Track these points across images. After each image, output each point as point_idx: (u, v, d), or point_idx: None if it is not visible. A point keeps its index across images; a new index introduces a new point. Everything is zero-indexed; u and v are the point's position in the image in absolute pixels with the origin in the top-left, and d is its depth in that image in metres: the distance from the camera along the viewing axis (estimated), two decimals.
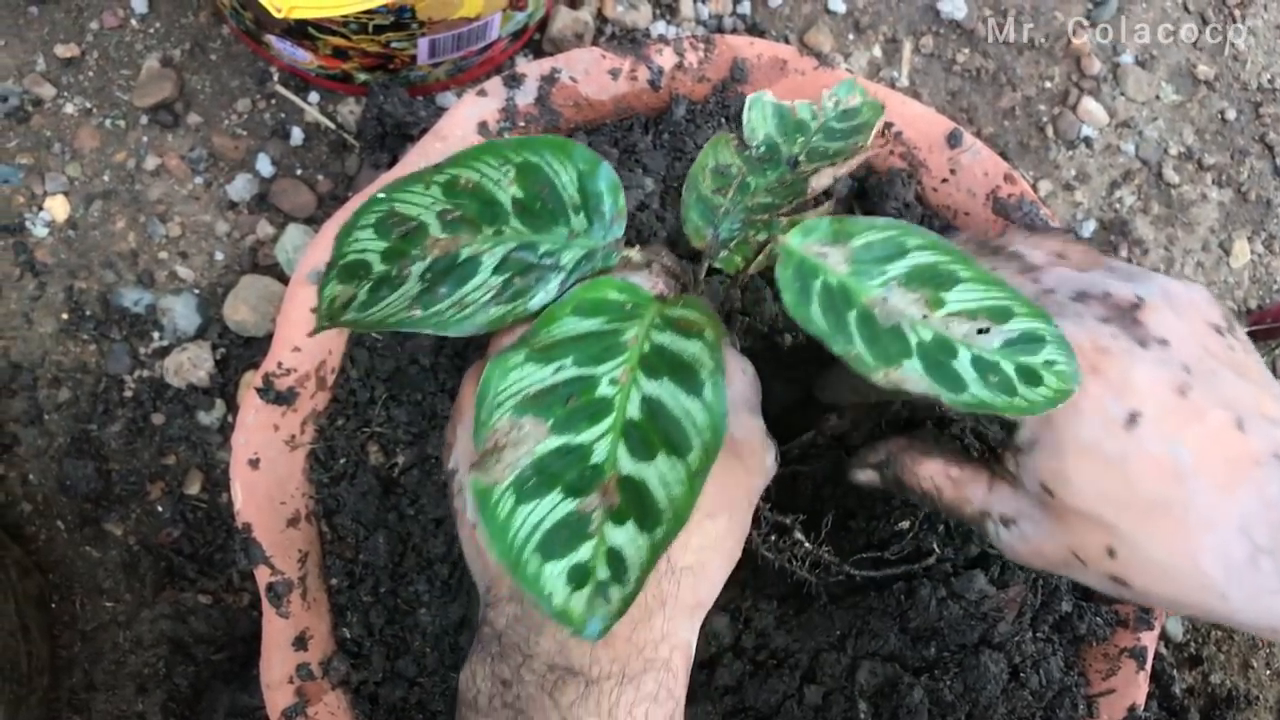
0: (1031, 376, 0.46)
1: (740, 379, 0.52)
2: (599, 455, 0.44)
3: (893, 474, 0.57)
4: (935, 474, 0.54)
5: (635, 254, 0.52)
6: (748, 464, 0.50)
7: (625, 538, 0.43)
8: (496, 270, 0.50)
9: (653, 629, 0.46)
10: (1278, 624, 0.44)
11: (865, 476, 0.58)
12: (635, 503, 0.43)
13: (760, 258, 0.52)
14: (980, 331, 0.46)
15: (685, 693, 0.48)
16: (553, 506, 0.43)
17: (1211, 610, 0.46)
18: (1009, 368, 0.46)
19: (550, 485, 0.44)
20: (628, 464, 0.44)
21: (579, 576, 0.42)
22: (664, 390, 0.46)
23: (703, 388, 0.45)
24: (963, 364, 0.46)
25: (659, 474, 0.44)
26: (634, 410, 0.45)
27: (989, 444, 0.63)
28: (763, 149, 0.53)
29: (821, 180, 0.52)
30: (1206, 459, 0.44)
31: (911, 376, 0.45)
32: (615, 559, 0.42)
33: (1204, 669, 0.84)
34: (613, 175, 0.51)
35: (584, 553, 0.43)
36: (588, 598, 0.42)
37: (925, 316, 0.47)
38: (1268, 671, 0.85)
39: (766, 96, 0.54)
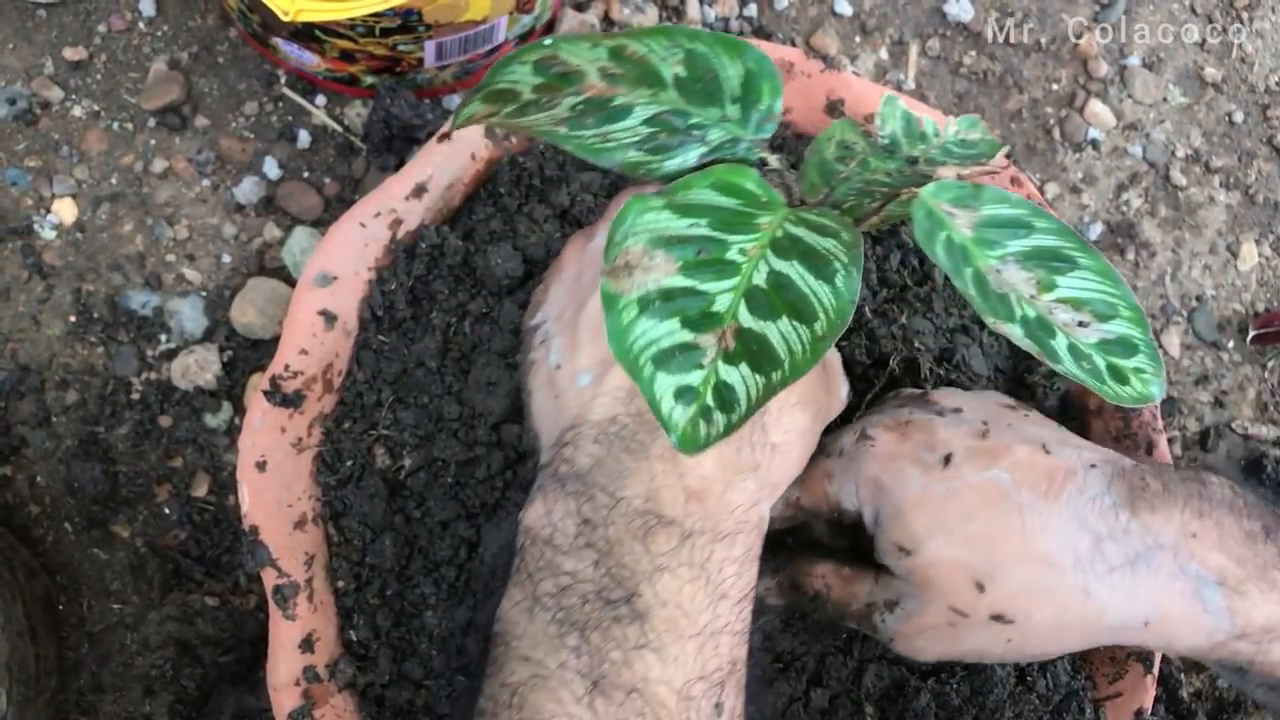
0: (1120, 377, 0.46)
1: None
2: (720, 305, 0.45)
3: (788, 579, 0.57)
4: (827, 573, 0.56)
5: (775, 160, 0.52)
6: (830, 384, 0.51)
7: (737, 376, 0.44)
8: (646, 122, 0.51)
9: (745, 492, 0.46)
10: (1146, 608, 0.46)
11: (759, 588, 0.57)
12: (752, 350, 0.44)
13: (874, 219, 0.52)
14: (1080, 325, 0.47)
15: None
16: (671, 330, 0.44)
17: (1085, 611, 0.47)
18: (1100, 362, 0.46)
19: (672, 314, 0.44)
20: (748, 318, 0.45)
21: (688, 396, 0.43)
22: (793, 270, 0.46)
23: (835, 274, 0.46)
24: (1059, 344, 0.46)
25: (780, 332, 0.45)
26: (760, 279, 0.46)
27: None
28: (887, 140, 0.54)
29: (946, 173, 0.52)
30: (1024, 477, 0.48)
31: (1016, 334, 0.46)
32: (724, 391, 0.43)
33: (1211, 673, 0.84)
34: (778, 81, 0.52)
35: (694, 378, 0.43)
36: (692, 416, 0.43)
37: (1032, 297, 0.47)
38: None
39: (899, 100, 0.54)
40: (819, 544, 0.60)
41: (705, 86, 0.52)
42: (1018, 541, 0.48)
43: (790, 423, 0.49)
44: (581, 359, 0.49)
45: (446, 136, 0.64)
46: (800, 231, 0.48)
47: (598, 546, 0.44)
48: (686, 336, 0.44)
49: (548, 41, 0.50)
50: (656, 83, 0.51)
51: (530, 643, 0.44)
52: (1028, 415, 0.54)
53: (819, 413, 0.51)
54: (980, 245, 0.48)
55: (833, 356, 0.52)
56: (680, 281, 0.45)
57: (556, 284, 0.53)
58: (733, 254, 0.46)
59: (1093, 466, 0.49)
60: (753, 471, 0.47)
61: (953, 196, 0.49)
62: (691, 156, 0.52)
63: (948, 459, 0.50)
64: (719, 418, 0.43)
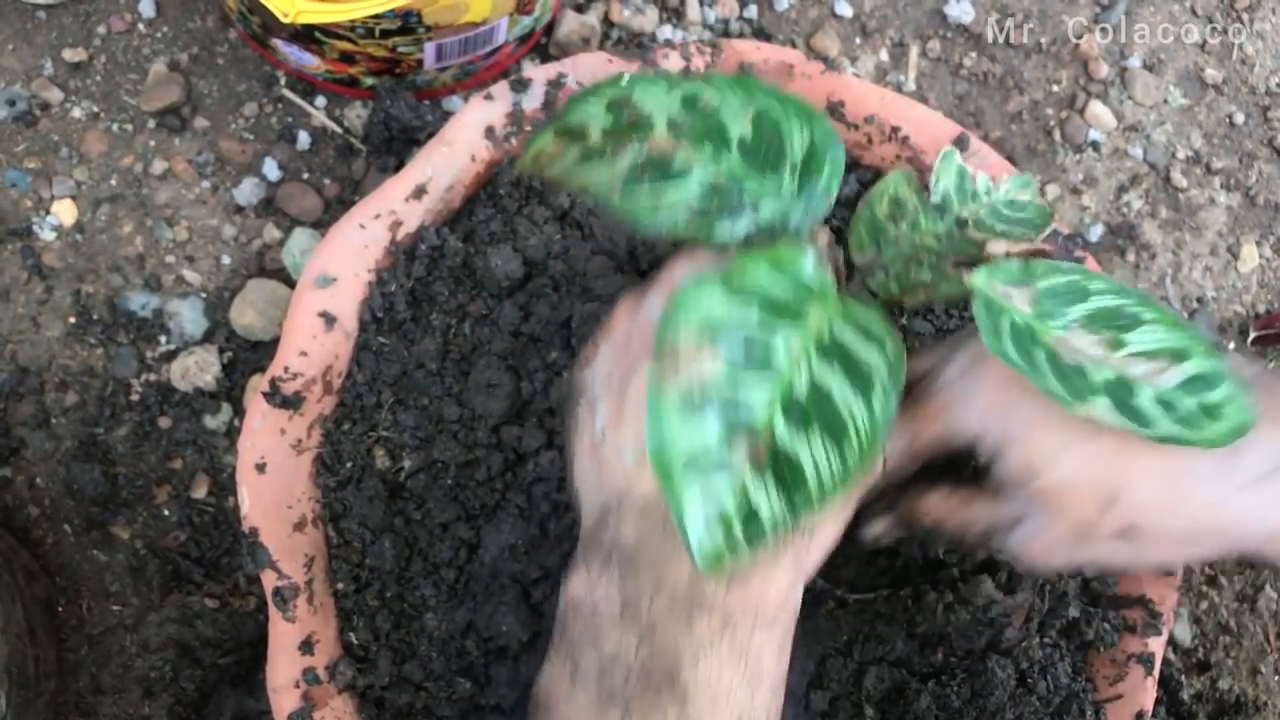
0: (1213, 413, 0.47)
1: None
2: (759, 413, 0.45)
3: (900, 516, 0.58)
4: (941, 502, 0.56)
5: (824, 236, 0.53)
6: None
7: (765, 502, 0.44)
8: (702, 188, 0.52)
9: (783, 578, 0.47)
10: (1269, 522, 0.47)
11: (875, 530, 0.58)
12: (783, 472, 0.45)
13: (922, 296, 0.54)
14: (1160, 372, 0.48)
15: None
16: (706, 437, 0.45)
17: (1216, 529, 0.48)
18: (1191, 404, 0.47)
19: (711, 417, 0.45)
20: (783, 431, 0.45)
21: (715, 519, 0.44)
22: (834, 380, 0.47)
23: (872, 392, 0.47)
24: (1144, 400, 0.47)
25: (812, 454, 0.45)
26: (801, 386, 0.47)
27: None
28: (939, 199, 0.55)
29: (996, 248, 0.53)
30: None
31: (1103, 413, 0.47)
32: (752, 519, 0.44)
33: (1212, 674, 0.84)
34: (840, 156, 0.52)
35: (724, 498, 0.44)
36: (718, 543, 0.43)
37: (1104, 357, 0.48)
38: (1276, 677, 0.85)
39: (957, 156, 0.55)
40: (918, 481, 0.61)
41: (768, 151, 0.52)
42: (1148, 455, 0.48)
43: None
44: (627, 433, 0.50)
45: (512, 163, 0.63)
46: (846, 336, 0.48)
47: (641, 625, 0.45)
48: (721, 447, 0.45)
49: (625, 80, 0.51)
50: (721, 142, 0.52)
51: (573, 713, 0.46)
52: None
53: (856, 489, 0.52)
54: (1043, 319, 0.49)
55: None
56: (723, 379, 0.46)
57: (606, 345, 0.54)
58: (778, 352, 0.47)
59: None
60: (791, 558, 0.48)
61: (1006, 277, 0.51)
62: (740, 226, 0.52)
63: None
64: (743, 548, 0.44)
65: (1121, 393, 0.47)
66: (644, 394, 0.47)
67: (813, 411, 0.46)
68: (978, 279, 0.51)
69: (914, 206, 0.55)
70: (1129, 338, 0.49)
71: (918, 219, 0.55)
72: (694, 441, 0.44)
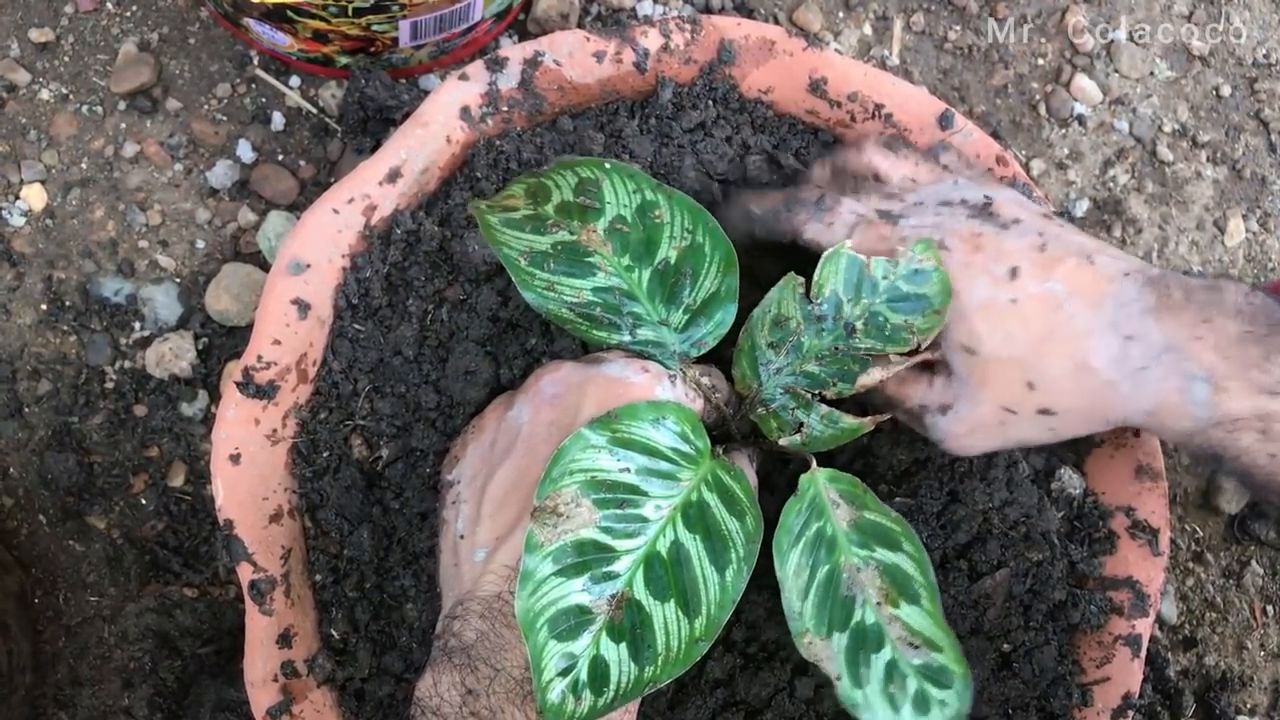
0: (923, 703, 0.53)
1: None
2: (622, 567, 0.50)
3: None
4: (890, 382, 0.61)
5: (696, 373, 0.57)
6: None
7: (614, 656, 0.48)
8: (596, 291, 0.56)
9: None
10: (1150, 400, 0.53)
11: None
12: (635, 630, 0.49)
13: (793, 438, 0.58)
14: (912, 646, 0.54)
15: None
16: (574, 590, 0.48)
17: (1109, 402, 0.55)
18: (912, 685, 0.54)
19: (581, 570, 0.49)
20: (641, 590, 0.50)
21: (569, 666, 0.48)
22: (694, 546, 0.51)
23: (728, 566, 0.51)
24: (880, 659, 0.54)
25: (664, 618, 0.50)
26: (663, 546, 0.51)
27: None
28: (825, 306, 0.57)
29: (869, 378, 0.57)
30: (1074, 286, 0.55)
31: (825, 655, 0.53)
32: (599, 667, 0.48)
33: (1198, 651, 0.84)
34: (730, 318, 0.57)
35: (577, 647, 0.48)
36: (563, 690, 0.47)
37: (880, 604, 0.54)
38: (1262, 652, 0.85)
39: (845, 249, 0.57)
40: None
41: (677, 284, 0.57)
42: (1066, 345, 0.54)
43: None
44: (480, 534, 0.53)
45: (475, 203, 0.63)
46: (711, 499, 0.53)
47: (480, 714, 0.48)
48: (585, 600, 0.48)
49: (608, 165, 0.56)
50: (645, 257, 0.56)
51: None
52: (1062, 224, 0.59)
53: None
54: (849, 542, 0.55)
55: None
56: (597, 536, 0.50)
57: (475, 445, 0.57)
58: (649, 510, 0.51)
59: (1126, 275, 0.54)
60: None
61: (843, 488, 0.56)
62: (615, 339, 0.57)
63: (1014, 271, 0.55)
64: (587, 697, 0.47)
65: (864, 642, 0.54)
66: (499, 492, 0.53)
67: (671, 574, 0.50)
68: (820, 475, 0.56)
69: (797, 324, 0.57)
70: (905, 606, 0.54)
71: (800, 340, 0.57)
72: (562, 593, 0.48)
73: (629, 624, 0.49)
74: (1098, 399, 0.55)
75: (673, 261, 0.56)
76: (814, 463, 0.57)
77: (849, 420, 0.57)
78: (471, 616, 0.50)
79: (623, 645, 0.48)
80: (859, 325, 0.57)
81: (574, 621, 0.48)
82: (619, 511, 0.50)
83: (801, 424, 0.57)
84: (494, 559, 0.51)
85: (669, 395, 0.54)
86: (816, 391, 0.57)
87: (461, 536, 0.54)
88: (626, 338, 0.56)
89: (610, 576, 0.49)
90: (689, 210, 0.57)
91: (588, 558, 0.49)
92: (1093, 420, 0.57)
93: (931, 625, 0.54)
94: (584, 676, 0.47)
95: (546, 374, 0.56)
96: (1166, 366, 0.53)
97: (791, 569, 0.54)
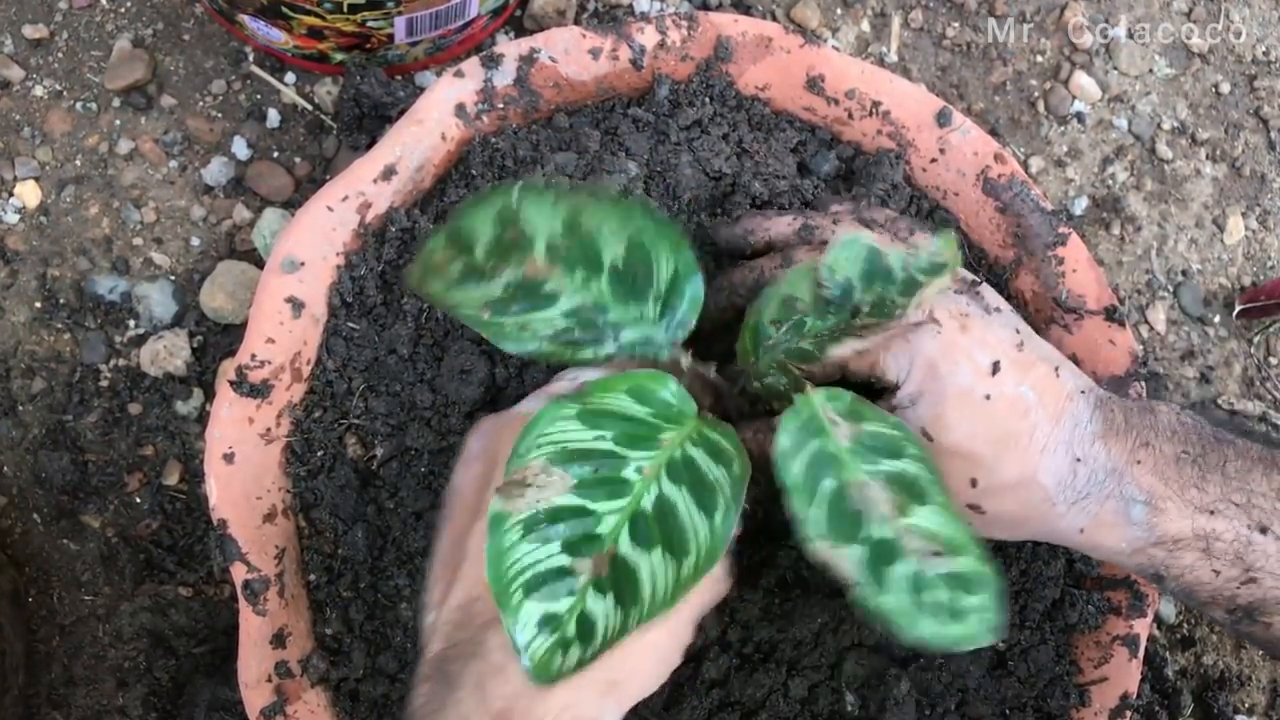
0: (959, 614, 0.49)
1: None
2: (604, 527, 0.48)
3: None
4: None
5: (687, 359, 0.56)
6: (703, 583, 0.52)
7: (601, 608, 0.47)
8: (566, 315, 0.54)
9: (554, 700, 0.48)
10: (1087, 521, 0.54)
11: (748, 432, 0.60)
12: (621, 582, 0.48)
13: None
14: (934, 554, 0.50)
15: None
16: (550, 554, 0.47)
17: (1045, 518, 0.55)
18: (943, 596, 0.50)
19: (555, 536, 0.48)
20: (627, 546, 0.48)
21: (550, 625, 0.46)
22: (680, 497, 0.50)
23: (715, 510, 0.50)
24: (898, 572, 0.50)
25: (650, 566, 0.48)
26: (648, 503, 0.50)
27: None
28: (836, 292, 0.55)
29: (841, 350, 0.55)
30: (1041, 397, 0.54)
31: (847, 565, 0.50)
32: (585, 622, 0.47)
33: (1196, 650, 0.83)
34: (700, 289, 0.55)
35: (561, 606, 0.47)
36: (550, 645, 0.46)
37: (889, 518, 0.51)
38: (1260, 652, 0.84)
39: (864, 238, 0.54)
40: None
41: (636, 281, 0.55)
42: (1022, 454, 0.54)
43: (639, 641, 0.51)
44: (432, 596, 0.53)
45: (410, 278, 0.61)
46: (697, 453, 0.51)
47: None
48: (564, 561, 0.47)
49: (516, 190, 0.52)
50: (593, 269, 0.54)
51: None
52: (1021, 321, 0.59)
53: (681, 620, 0.53)
54: (854, 457, 0.52)
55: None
56: (571, 501, 0.48)
57: (457, 502, 0.55)
58: (629, 472, 0.50)
59: (1082, 393, 0.55)
60: (564, 679, 0.49)
61: (840, 406, 0.54)
62: (604, 352, 0.55)
63: (996, 366, 0.54)
64: (575, 650, 0.47)
65: (882, 555, 0.50)
66: (444, 555, 0.52)
67: (657, 526, 0.49)
68: (815, 395, 0.53)
69: (803, 306, 0.55)
70: (918, 510, 0.51)
71: (803, 319, 0.55)
72: (537, 558, 0.47)
73: (614, 578, 0.48)
74: (1033, 512, 0.55)
75: (621, 260, 0.54)
76: (808, 386, 0.55)
77: None
78: (420, 681, 0.49)
79: (609, 596, 0.48)
80: (865, 309, 0.55)
81: (555, 584, 0.47)
82: (596, 476, 0.49)
83: (781, 390, 0.56)
84: (439, 618, 0.51)
85: None
86: (802, 366, 0.56)
87: (425, 604, 0.54)
88: (612, 348, 0.55)
89: (592, 536, 0.48)
90: (614, 205, 0.54)
91: (565, 523, 0.48)
92: (1017, 529, 0.57)
93: (947, 523, 0.51)
94: (571, 632, 0.47)
95: (472, 433, 0.56)
96: (1106, 489, 0.54)
97: (798, 480, 0.51)
